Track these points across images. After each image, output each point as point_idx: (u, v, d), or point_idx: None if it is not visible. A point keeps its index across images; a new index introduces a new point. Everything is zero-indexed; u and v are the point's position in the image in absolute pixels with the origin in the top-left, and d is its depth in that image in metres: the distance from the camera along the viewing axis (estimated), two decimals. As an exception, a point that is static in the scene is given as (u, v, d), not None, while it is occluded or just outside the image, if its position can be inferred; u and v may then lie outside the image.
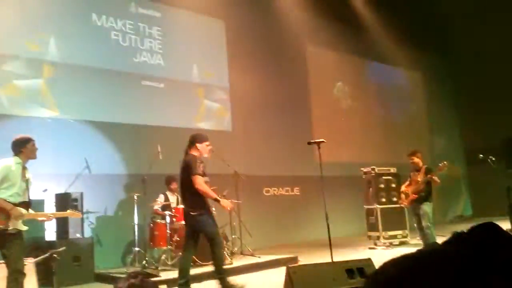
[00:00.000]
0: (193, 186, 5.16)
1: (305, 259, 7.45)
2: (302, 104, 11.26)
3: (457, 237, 1.22)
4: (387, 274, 1.05)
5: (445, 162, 7.16)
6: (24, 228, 4.50)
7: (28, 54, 7.62)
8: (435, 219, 8.02)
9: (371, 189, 9.48)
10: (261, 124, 10.48)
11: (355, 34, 12.26)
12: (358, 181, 9.72)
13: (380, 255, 7.73)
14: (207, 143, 5.50)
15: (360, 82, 12.74)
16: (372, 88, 12.99)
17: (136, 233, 7.30)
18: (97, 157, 7.79)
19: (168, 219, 7.13)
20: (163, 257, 7.12)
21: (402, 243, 9.11)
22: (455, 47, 14.51)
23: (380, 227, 9.06)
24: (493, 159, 8.14)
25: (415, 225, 7.45)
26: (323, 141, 5.72)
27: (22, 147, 4.64)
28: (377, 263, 4.64)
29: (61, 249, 5.28)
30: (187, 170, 5.26)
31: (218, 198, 5.32)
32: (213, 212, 5.57)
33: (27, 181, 4.58)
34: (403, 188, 7.54)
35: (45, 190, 6.90)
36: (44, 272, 5.43)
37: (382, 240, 8.99)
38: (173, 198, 7.81)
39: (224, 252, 7.25)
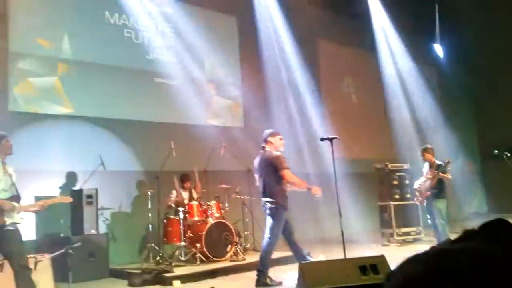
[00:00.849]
0: (275, 182, 5.57)
1: (318, 256, 7.43)
2: (314, 100, 11.21)
3: (467, 234, 1.22)
4: (402, 273, 1.06)
5: (448, 159, 7.14)
6: (21, 220, 4.49)
7: (42, 52, 7.70)
8: (450, 216, 7.96)
9: (384, 185, 9.43)
10: (273, 120, 10.46)
11: (366, 28, 12.15)
12: (371, 177, 9.66)
13: (393, 252, 7.70)
14: (279, 136, 5.86)
15: (373, 77, 12.63)
16: (384, 84, 12.88)
17: (150, 229, 7.37)
18: (111, 154, 7.85)
19: (181, 215, 7.18)
20: (176, 253, 7.18)
21: (415, 240, 9.05)
22: (470, 40, 14.31)
23: (393, 223, 9.01)
24: (508, 155, 8.04)
25: (428, 221, 7.41)
26: (336, 138, 5.70)
27: None
28: (391, 260, 4.65)
29: (76, 244, 5.34)
30: (271, 167, 5.62)
31: (309, 186, 5.79)
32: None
33: (10, 176, 4.57)
34: (416, 185, 7.50)
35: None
36: (60, 268, 5.49)
37: (395, 237, 8.94)
38: (185, 195, 7.85)
39: (237, 249, 7.30)
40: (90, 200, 6.96)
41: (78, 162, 7.60)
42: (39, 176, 7.19)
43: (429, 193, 7.10)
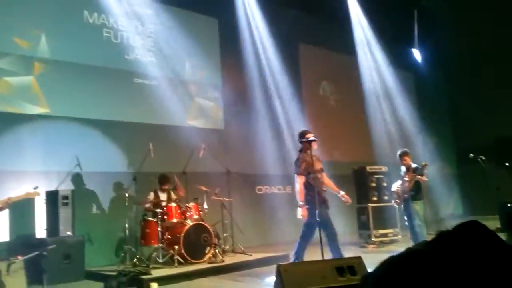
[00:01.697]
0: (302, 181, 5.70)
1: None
2: (295, 102, 11.27)
3: (441, 236, 1.24)
4: (376, 275, 1.08)
5: (424, 163, 7.28)
6: None
7: (19, 51, 7.56)
8: (427, 217, 8.08)
9: (362, 187, 9.53)
10: (253, 122, 10.49)
11: (346, 33, 12.28)
12: (350, 179, 9.74)
13: (371, 254, 7.78)
14: (308, 135, 5.85)
15: (352, 81, 12.76)
16: (362, 88, 13.02)
17: (127, 231, 7.28)
18: (88, 154, 7.76)
19: (159, 217, 7.11)
20: (154, 254, 7.10)
21: (392, 242, 9.16)
22: (447, 45, 14.58)
23: (371, 225, 9.11)
24: (483, 158, 8.22)
25: (406, 223, 7.50)
26: (315, 140, 5.74)
27: None
28: (368, 261, 4.69)
29: (51, 246, 5.25)
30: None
31: (300, 204, 5.74)
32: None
33: None
34: (394, 187, 7.61)
35: (36, 188, 6.86)
36: (34, 270, 5.39)
37: (373, 239, 9.03)
38: (163, 196, 7.78)
39: (216, 251, 7.27)
40: (66, 201, 6.85)
41: (54, 162, 7.47)
42: (13, 177, 7.04)
43: (406, 195, 7.20)
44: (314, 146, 5.80)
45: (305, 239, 5.79)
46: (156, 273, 6.40)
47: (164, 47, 9.28)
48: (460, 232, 1.32)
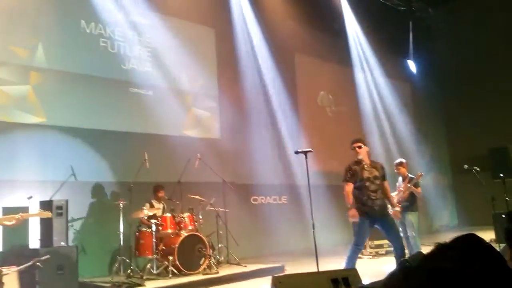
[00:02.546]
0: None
1: (291, 269, 7.44)
2: (291, 113, 11.30)
3: (439, 249, 1.25)
4: None
5: (419, 173, 7.29)
6: None
7: (15, 60, 7.56)
8: (421, 228, 8.08)
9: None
10: (249, 132, 10.50)
11: (342, 44, 12.37)
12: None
13: (366, 265, 7.76)
14: (356, 143, 5.86)
15: (349, 92, 12.83)
16: (360, 99, 13.09)
17: (122, 241, 7.24)
18: (84, 164, 7.74)
19: (154, 227, 7.08)
20: (148, 266, 7.05)
21: (388, 253, 9.13)
22: (443, 56, 14.70)
23: (366, 236, 9.08)
24: (478, 169, 8.24)
25: (401, 234, 7.49)
26: (310, 151, 5.75)
27: None
28: (363, 272, 4.67)
29: (44, 257, 5.21)
30: None
31: (350, 206, 5.63)
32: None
33: None
34: (390, 198, 7.59)
35: (30, 197, 6.83)
36: (28, 281, 5.34)
37: (368, 250, 9.01)
38: (159, 206, 7.76)
39: (211, 262, 7.24)
40: (60, 211, 6.78)
41: (49, 172, 7.44)
42: (8, 186, 7.01)
43: (400, 207, 7.19)
44: (359, 153, 5.74)
45: (354, 243, 5.67)
46: (150, 284, 6.36)
47: (160, 57, 9.31)
48: (457, 246, 1.33)
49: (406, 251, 7.38)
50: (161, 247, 7.16)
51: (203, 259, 7.18)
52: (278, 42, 11.06)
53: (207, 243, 7.30)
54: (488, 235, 7.91)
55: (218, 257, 7.85)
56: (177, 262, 6.88)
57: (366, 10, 12.48)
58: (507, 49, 13.20)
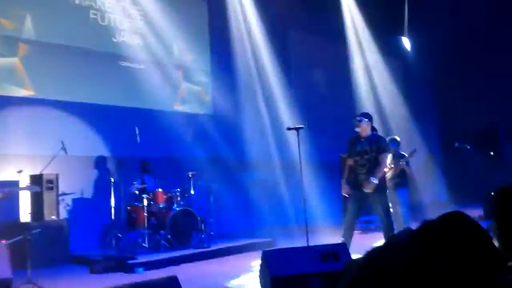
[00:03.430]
0: None
1: (283, 244, 7.51)
2: (284, 88, 11.23)
3: (425, 226, 1.26)
4: (360, 263, 1.10)
5: (412, 150, 7.31)
6: None
7: (2, 32, 7.39)
8: (412, 204, 8.16)
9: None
10: (242, 107, 10.44)
11: (336, 19, 12.23)
12: (337, 166, 9.78)
13: (356, 239, 7.84)
14: (355, 118, 5.88)
15: (341, 67, 12.74)
16: (353, 74, 13.02)
17: (113, 215, 7.25)
18: (74, 138, 7.66)
19: (145, 202, 7.08)
20: (140, 239, 7.09)
21: (377, 228, 9.24)
22: (438, 34, 14.60)
23: (357, 212, 9.16)
24: (468, 147, 8.29)
25: (391, 210, 7.56)
26: (302, 127, 5.73)
27: None
28: (353, 247, 4.70)
29: (35, 231, 5.21)
30: None
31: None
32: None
33: None
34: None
35: (20, 171, 6.79)
36: (18, 254, 5.34)
37: (358, 225, 9.09)
38: (151, 181, 7.75)
39: (202, 236, 7.29)
40: (50, 185, 6.79)
41: (38, 146, 7.38)
42: (-3, 160, 6.95)
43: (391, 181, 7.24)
44: (357, 127, 5.75)
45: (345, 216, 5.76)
46: (142, 258, 6.40)
47: (151, 30, 9.15)
48: (444, 223, 1.33)
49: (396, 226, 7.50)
50: (153, 221, 7.18)
51: (194, 233, 7.23)
52: (271, 17, 10.89)
53: (198, 217, 7.33)
54: (476, 212, 8.01)
55: (209, 231, 7.90)
56: (169, 236, 6.92)
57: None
58: (504, 24, 13.12)
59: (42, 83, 7.73)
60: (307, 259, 3.85)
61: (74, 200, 7.68)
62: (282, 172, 10.65)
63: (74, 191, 7.67)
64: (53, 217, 6.77)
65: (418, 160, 11.30)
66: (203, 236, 7.32)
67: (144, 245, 6.93)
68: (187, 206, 7.42)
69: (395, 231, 5.68)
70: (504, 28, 13.18)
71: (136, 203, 7.31)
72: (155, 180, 7.81)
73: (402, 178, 7.25)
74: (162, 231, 6.94)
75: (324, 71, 12.24)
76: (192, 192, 7.79)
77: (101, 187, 7.94)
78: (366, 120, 5.75)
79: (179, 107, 9.57)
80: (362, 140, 5.71)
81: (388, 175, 7.31)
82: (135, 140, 7.37)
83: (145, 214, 7.01)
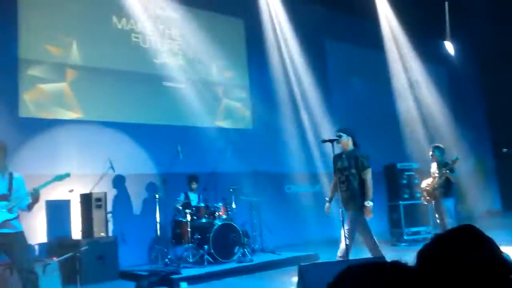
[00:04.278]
0: None
1: (325, 257, 7.44)
2: (323, 100, 11.19)
3: (435, 240, 1.29)
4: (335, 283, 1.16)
5: (455, 157, 7.02)
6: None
7: (51, 59, 7.84)
8: (461, 214, 7.88)
9: (393, 185, 9.39)
10: (282, 121, 10.49)
11: (373, 27, 12.08)
12: (380, 177, 9.62)
13: (403, 252, 7.67)
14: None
15: (381, 76, 12.55)
16: (393, 83, 12.79)
17: (159, 231, 7.45)
18: (120, 157, 7.95)
19: (189, 217, 7.24)
20: (184, 254, 7.24)
21: (425, 240, 8.98)
22: (482, 37, 14.12)
23: (403, 223, 8.97)
24: (518, 153, 7.95)
25: (437, 221, 7.35)
26: (336, 139, 5.69)
27: None
28: (400, 259, 4.57)
29: (83, 248, 5.44)
30: None
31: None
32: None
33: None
34: (424, 184, 7.42)
35: (71, 191, 7.12)
36: (69, 271, 5.60)
37: (405, 237, 8.89)
38: (194, 196, 7.91)
39: (245, 250, 7.35)
40: (99, 203, 7.06)
41: (87, 166, 7.70)
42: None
43: (435, 191, 7.04)
44: (339, 144, 5.74)
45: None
46: (186, 272, 6.53)
47: (191, 50, 9.41)
48: (453, 237, 1.33)
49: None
50: (197, 236, 7.32)
51: (237, 247, 7.30)
52: (306, 28, 10.92)
53: (240, 231, 7.40)
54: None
55: (252, 245, 7.95)
56: (212, 251, 7.02)
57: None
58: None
59: (90, 105, 8.11)
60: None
61: (121, 217, 7.95)
62: (325, 185, 10.56)
63: (122, 209, 7.95)
64: (102, 234, 7.04)
65: (467, 168, 10.92)
66: (246, 250, 7.38)
67: (188, 259, 7.07)
68: (229, 221, 7.51)
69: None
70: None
71: (180, 219, 7.49)
72: (198, 195, 7.98)
73: (447, 188, 7.01)
74: (205, 246, 7.05)
75: (363, 79, 12.09)
76: (234, 206, 7.88)
77: (146, 204, 8.19)
78: (345, 136, 5.69)
79: (220, 123, 9.75)
80: (343, 156, 5.68)
81: (433, 184, 7.12)
82: (178, 157, 7.57)
83: (189, 229, 7.17)
